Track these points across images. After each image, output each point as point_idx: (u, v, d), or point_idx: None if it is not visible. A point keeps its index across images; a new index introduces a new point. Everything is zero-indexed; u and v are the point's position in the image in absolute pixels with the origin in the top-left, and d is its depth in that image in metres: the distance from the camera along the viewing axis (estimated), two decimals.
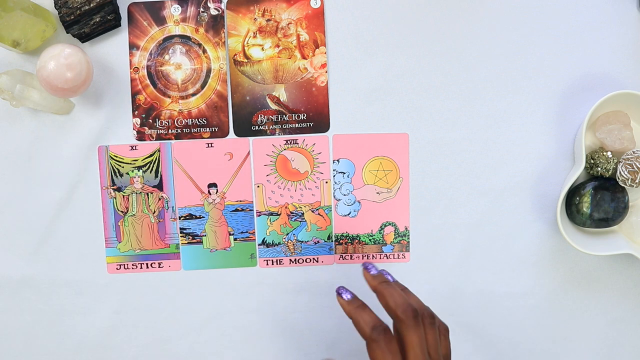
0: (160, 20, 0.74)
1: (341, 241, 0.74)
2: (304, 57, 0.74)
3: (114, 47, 0.74)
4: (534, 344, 0.76)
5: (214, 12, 0.74)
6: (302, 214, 0.75)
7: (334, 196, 0.74)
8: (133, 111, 0.74)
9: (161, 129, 0.74)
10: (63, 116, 0.74)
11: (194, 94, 0.74)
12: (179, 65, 0.74)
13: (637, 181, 0.70)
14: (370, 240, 0.75)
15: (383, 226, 0.74)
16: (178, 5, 0.74)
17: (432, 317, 0.58)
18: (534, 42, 0.74)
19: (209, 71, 0.74)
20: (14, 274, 0.75)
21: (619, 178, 0.71)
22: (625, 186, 0.71)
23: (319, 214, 0.75)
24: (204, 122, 0.75)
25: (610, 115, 0.72)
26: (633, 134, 0.72)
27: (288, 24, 0.74)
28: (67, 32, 0.72)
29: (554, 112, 0.74)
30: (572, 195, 0.73)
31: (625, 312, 0.76)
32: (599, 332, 0.76)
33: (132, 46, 0.74)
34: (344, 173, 0.72)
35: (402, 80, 0.74)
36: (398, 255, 0.75)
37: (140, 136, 0.75)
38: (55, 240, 0.75)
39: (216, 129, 0.75)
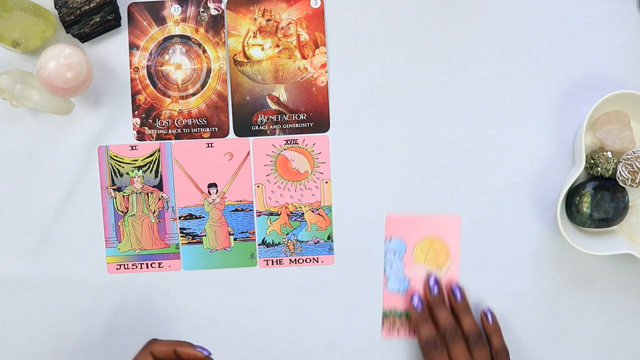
0: (160, 20, 0.74)
1: (389, 316, 0.75)
2: (304, 57, 0.74)
3: (114, 47, 0.74)
4: (533, 344, 0.76)
5: (214, 12, 0.74)
6: (302, 214, 0.75)
7: (384, 272, 0.75)
8: (133, 111, 0.74)
9: (161, 129, 0.74)
10: (63, 116, 0.74)
11: (194, 94, 0.74)
12: (179, 65, 0.74)
13: (637, 181, 0.70)
14: None
15: None
16: (178, 5, 0.74)
17: (479, 336, 0.70)
18: (534, 42, 0.74)
19: (209, 71, 0.74)
20: (14, 274, 0.75)
21: (619, 178, 0.71)
22: (625, 186, 0.71)
23: (319, 214, 0.75)
24: (204, 122, 0.75)
25: (610, 115, 0.72)
26: (633, 134, 0.72)
27: (288, 24, 0.74)
28: (67, 32, 0.72)
29: (554, 112, 0.74)
30: (572, 195, 0.73)
31: (625, 312, 0.76)
32: (598, 332, 0.76)
33: (132, 46, 0.74)
34: (395, 252, 0.74)
35: (402, 80, 0.74)
36: None
37: (140, 136, 0.75)
38: (55, 240, 0.75)
39: (216, 129, 0.75)
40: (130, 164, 0.75)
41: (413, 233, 0.74)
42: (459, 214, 0.73)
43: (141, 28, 0.74)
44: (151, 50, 0.74)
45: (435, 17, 0.74)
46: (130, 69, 0.74)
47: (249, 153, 0.75)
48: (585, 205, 0.71)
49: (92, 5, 0.70)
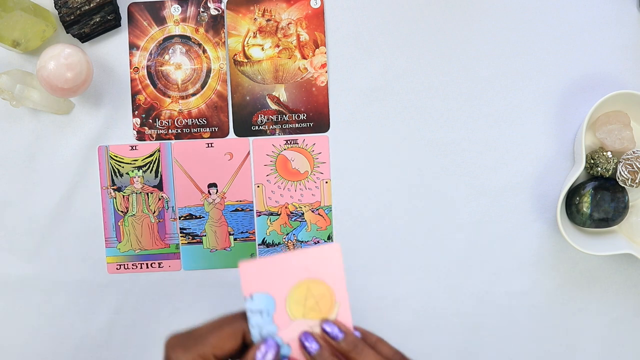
0: (160, 20, 0.74)
1: None
2: (304, 57, 0.74)
3: (114, 47, 0.74)
4: (533, 344, 0.76)
5: (214, 12, 0.74)
6: (302, 214, 0.75)
7: (253, 342, 0.54)
8: (133, 111, 0.74)
9: (161, 129, 0.74)
10: (63, 116, 0.74)
11: (194, 94, 0.74)
12: (179, 65, 0.74)
13: (637, 181, 0.70)
14: None
15: None
16: (178, 5, 0.74)
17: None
18: (534, 42, 0.74)
19: (209, 71, 0.74)
20: (14, 273, 0.75)
21: (619, 178, 0.71)
22: (625, 186, 0.71)
23: (319, 214, 0.75)
24: (204, 122, 0.75)
25: (610, 115, 0.72)
26: (633, 134, 0.72)
27: (288, 24, 0.74)
28: (67, 32, 0.72)
29: (554, 112, 0.74)
30: (572, 195, 0.73)
31: (625, 312, 0.76)
32: (598, 332, 0.76)
33: (132, 46, 0.74)
34: (261, 312, 0.52)
35: (402, 80, 0.74)
36: None
37: (140, 136, 0.75)
38: (55, 240, 0.75)
39: (216, 129, 0.75)
40: (130, 164, 0.75)
41: (280, 281, 0.53)
42: (338, 242, 0.63)
43: (141, 28, 0.74)
44: (151, 50, 0.74)
45: (435, 17, 0.74)
46: (130, 69, 0.74)
47: (249, 153, 0.75)
48: (585, 205, 0.71)
49: (92, 5, 0.70)
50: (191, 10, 0.74)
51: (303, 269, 0.53)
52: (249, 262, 0.52)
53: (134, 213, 0.75)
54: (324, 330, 0.53)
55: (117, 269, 0.76)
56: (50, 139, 0.74)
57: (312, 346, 0.53)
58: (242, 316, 0.51)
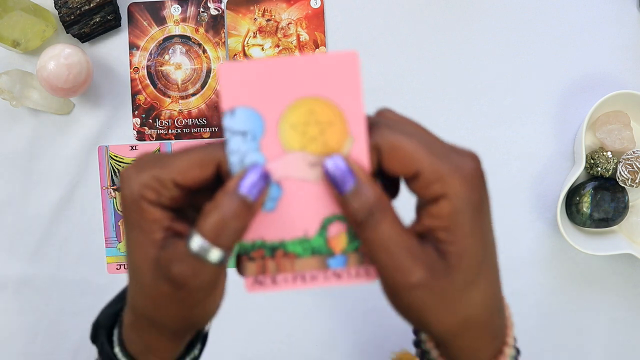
0: (160, 20, 0.74)
1: (253, 254, 0.41)
2: None
3: (114, 47, 0.74)
4: (533, 344, 0.76)
5: (214, 12, 0.74)
6: None
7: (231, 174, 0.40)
8: (133, 111, 0.74)
9: (161, 129, 0.74)
10: (63, 116, 0.74)
11: (194, 94, 0.74)
12: (179, 65, 0.74)
13: (637, 181, 0.70)
14: (305, 249, 0.41)
15: (326, 223, 0.41)
16: (178, 5, 0.74)
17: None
18: (534, 42, 0.74)
19: (209, 71, 0.74)
20: (14, 273, 0.75)
21: (619, 178, 0.71)
22: (625, 186, 0.71)
23: None
24: (204, 122, 0.75)
25: (610, 115, 0.72)
26: (633, 134, 0.72)
27: (288, 24, 0.74)
28: (67, 32, 0.72)
29: (554, 112, 0.74)
30: (572, 195, 0.72)
31: (625, 313, 0.76)
32: (598, 332, 0.76)
33: (132, 46, 0.74)
34: (245, 134, 0.38)
35: (402, 80, 0.74)
36: (357, 272, 0.42)
37: (140, 136, 0.75)
38: (55, 240, 0.75)
39: (216, 129, 0.75)
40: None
41: (273, 95, 0.38)
42: (355, 49, 0.47)
43: (141, 28, 0.74)
44: (151, 50, 0.74)
45: (435, 17, 0.74)
46: (130, 69, 0.74)
47: None
48: (585, 205, 0.71)
49: (92, 5, 0.70)
50: (191, 10, 0.74)
51: (306, 81, 0.38)
52: (232, 64, 0.38)
53: None
54: (325, 171, 0.37)
55: (117, 269, 0.75)
56: (50, 139, 0.74)
57: (347, 181, 0.36)
58: (222, 145, 0.38)
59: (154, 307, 0.38)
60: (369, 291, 0.76)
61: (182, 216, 0.38)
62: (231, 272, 0.80)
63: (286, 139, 0.38)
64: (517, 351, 0.42)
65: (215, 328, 0.76)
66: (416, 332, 0.44)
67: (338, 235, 0.40)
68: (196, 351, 0.45)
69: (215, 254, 0.36)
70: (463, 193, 0.35)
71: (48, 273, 0.75)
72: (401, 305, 0.37)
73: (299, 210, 0.39)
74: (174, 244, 0.36)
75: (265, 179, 0.37)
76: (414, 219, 0.38)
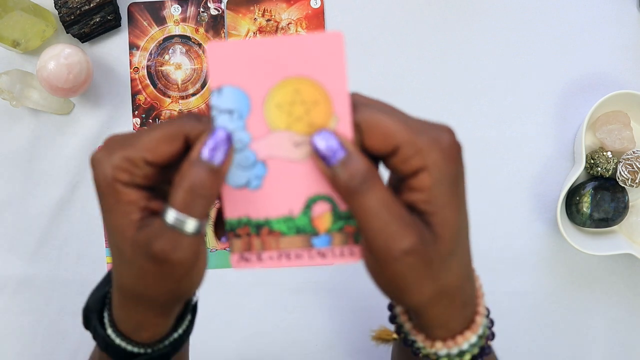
0: (160, 20, 0.74)
1: (239, 231, 0.41)
2: None
3: (114, 47, 0.74)
4: (533, 344, 0.76)
5: (214, 12, 0.74)
6: None
7: None
8: (133, 111, 0.74)
9: None
10: (63, 116, 0.74)
11: (194, 94, 0.74)
12: (179, 65, 0.74)
13: (637, 181, 0.70)
14: (289, 228, 0.41)
15: (310, 203, 0.41)
16: (178, 5, 0.74)
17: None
18: (534, 42, 0.74)
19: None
20: (14, 273, 0.75)
21: (619, 178, 0.71)
22: (625, 186, 0.71)
23: None
24: None
25: (610, 115, 0.72)
26: (633, 134, 0.72)
27: (288, 24, 0.74)
28: (67, 32, 0.72)
29: (554, 112, 0.74)
30: (572, 195, 0.72)
31: (625, 313, 0.76)
32: (598, 332, 0.76)
33: (132, 46, 0.74)
34: (231, 112, 0.39)
35: (402, 80, 0.74)
36: (342, 252, 0.42)
37: None
38: (55, 240, 0.75)
39: None
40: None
41: (259, 75, 0.39)
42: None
43: (141, 28, 0.74)
44: (151, 50, 0.74)
45: (435, 17, 0.74)
46: (130, 69, 0.74)
47: None
48: (585, 205, 0.71)
49: (92, 5, 0.70)
50: (191, 10, 0.74)
51: (292, 61, 0.38)
52: (221, 43, 0.38)
53: None
54: (313, 146, 0.37)
55: None
56: (50, 139, 0.74)
57: (336, 153, 0.37)
58: (192, 118, 0.38)
59: (141, 285, 0.39)
60: (369, 290, 0.76)
61: (159, 193, 0.38)
62: (234, 273, 0.80)
63: (272, 118, 0.39)
64: (491, 322, 0.43)
65: (215, 328, 0.76)
66: (391, 307, 0.45)
67: (322, 215, 0.41)
68: (187, 322, 0.46)
69: (191, 225, 0.36)
70: (442, 165, 0.36)
71: (48, 273, 0.75)
72: (385, 275, 0.38)
73: (284, 189, 0.40)
74: (152, 222, 0.37)
75: (228, 141, 0.37)
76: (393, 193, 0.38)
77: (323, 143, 0.37)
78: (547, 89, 0.74)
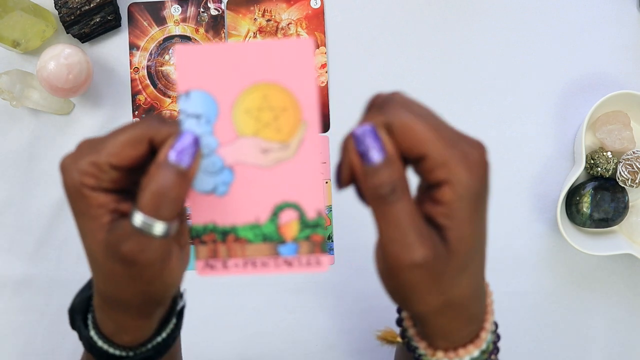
0: (161, 21, 0.74)
1: (204, 238, 0.41)
2: None
3: (114, 47, 0.74)
4: (533, 345, 0.76)
5: (214, 12, 0.74)
6: None
7: None
8: (133, 111, 0.74)
9: None
10: (63, 116, 0.74)
11: None
12: None
13: (637, 181, 0.70)
14: (256, 235, 0.41)
15: (277, 210, 0.41)
16: (178, 6, 0.74)
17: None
18: (534, 42, 0.74)
19: None
20: (14, 274, 0.75)
21: (619, 178, 0.71)
22: (625, 186, 0.71)
23: None
24: None
25: (610, 116, 0.72)
26: (633, 134, 0.72)
27: (288, 24, 0.74)
28: (67, 33, 0.72)
29: (554, 112, 0.74)
30: (572, 195, 0.72)
31: (625, 313, 0.76)
32: (598, 332, 0.76)
33: (132, 46, 0.74)
34: (199, 117, 0.39)
35: (402, 80, 0.74)
36: (308, 261, 0.41)
37: None
38: (55, 240, 0.75)
39: None
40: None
41: (228, 80, 0.38)
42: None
43: (141, 28, 0.74)
44: (151, 51, 0.74)
45: (435, 17, 0.74)
46: (131, 69, 0.74)
47: None
48: (585, 206, 0.71)
49: (92, 5, 0.70)
50: (191, 10, 0.74)
51: (261, 67, 0.38)
52: (189, 47, 0.38)
53: None
54: (353, 138, 0.37)
55: None
56: (50, 139, 0.74)
57: (376, 152, 0.36)
58: (156, 120, 0.38)
59: (113, 288, 0.39)
60: (369, 290, 0.76)
61: (130, 195, 0.38)
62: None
63: (240, 123, 0.39)
64: (497, 337, 0.43)
65: (215, 328, 0.76)
66: (399, 310, 0.45)
67: (289, 223, 0.40)
68: (171, 325, 0.45)
69: (158, 227, 0.36)
70: (466, 181, 0.35)
71: (48, 273, 0.75)
72: (394, 282, 0.38)
73: (251, 195, 0.40)
74: (120, 224, 0.37)
75: (196, 144, 0.37)
76: (416, 201, 0.38)
77: (365, 139, 0.36)
78: (547, 88, 0.74)
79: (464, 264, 0.37)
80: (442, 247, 0.36)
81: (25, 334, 0.76)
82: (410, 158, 0.36)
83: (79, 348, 0.76)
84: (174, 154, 0.36)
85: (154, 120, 0.37)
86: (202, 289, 0.76)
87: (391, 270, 0.37)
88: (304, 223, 0.40)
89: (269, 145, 0.39)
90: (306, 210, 0.40)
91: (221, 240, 0.40)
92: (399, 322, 0.45)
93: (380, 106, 0.37)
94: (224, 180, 0.39)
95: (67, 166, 0.38)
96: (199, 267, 0.41)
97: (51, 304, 0.75)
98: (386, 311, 0.76)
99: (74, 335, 0.75)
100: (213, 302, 0.76)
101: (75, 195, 0.37)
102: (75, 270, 0.75)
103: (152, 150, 0.37)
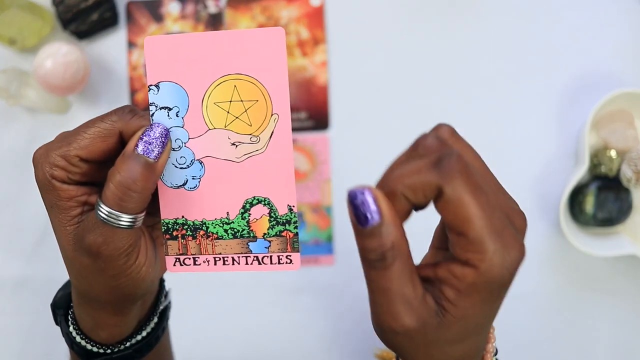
0: (159, 18, 0.73)
1: (174, 233, 0.40)
2: (304, 55, 0.74)
3: (112, 45, 0.73)
4: (535, 345, 0.76)
5: (213, 9, 0.73)
6: (302, 214, 0.75)
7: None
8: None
9: None
10: (60, 115, 0.73)
11: None
12: None
13: None
14: (226, 231, 0.40)
15: (247, 205, 0.40)
16: (177, 3, 0.73)
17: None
18: (537, 41, 0.73)
19: None
20: (12, 274, 0.75)
21: (622, 178, 0.70)
22: (629, 185, 0.70)
23: (319, 214, 0.75)
24: None
25: (614, 114, 0.71)
26: (637, 133, 0.71)
27: (288, 22, 0.74)
28: (64, 30, 0.71)
29: (557, 111, 0.74)
30: (576, 195, 0.72)
31: (629, 314, 0.75)
32: (602, 333, 0.75)
33: (131, 44, 0.73)
34: (169, 109, 0.38)
35: (402, 80, 0.74)
36: (280, 258, 0.40)
37: None
38: (53, 240, 0.74)
39: None
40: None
41: (198, 71, 0.38)
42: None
43: (139, 26, 0.73)
44: None
45: (436, 16, 0.73)
46: (129, 67, 0.74)
47: None
48: (589, 205, 0.70)
49: (89, 2, 0.69)
50: (190, 7, 0.73)
51: (231, 58, 0.37)
52: (158, 37, 0.37)
53: None
54: (348, 198, 0.35)
55: None
56: (47, 138, 0.73)
57: (371, 217, 0.34)
58: (127, 112, 0.38)
59: (84, 282, 0.39)
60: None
61: (101, 188, 0.38)
62: (234, 273, 0.79)
63: (210, 116, 0.38)
64: None
65: (215, 328, 0.76)
66: None
67: (260, 219, 0.39)
68: (152, 324, 0.45)
69: (123, 219, 0.36)
70: (493, 277, 0.33)
71: (45, 273, 0.75)
72: (383, 340, 0.37)
73: (221, 190, 0.39)
74: (88, 217, 0.37)
75: (165, 136, 0.37)
76: (433, 260, 0.36)
77: (359, 200, 0.35)
78: (550, 87, 0.74)
79: (458, 338, 0.35)
80: (434, 318, 0.34)
81: (23, 334, 0.75)
82: (447, 226, 0.34)
83: None
84: (142, 145, 0.36)
85: (125, 112, 0.37)
86: (201, 289, 0.76)
87: (377, 328, 0.36)
88: (275, 219, 0.39)
89: (240, 137, 0.38)
90: (277, 206, 0.39)
91: (191, 236, 0.40)
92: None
93: (437, 162, 0.34)
94: (194, 174, 0.39)
95: (38, 158, 0.38)
96: (169, 264, 0.41)
97: (49, 304, 0.75)
98: None
99: None
100: (213, 303, 0.76)
101: (46, 187, 0.38)
102: None
103: (123, 143, 0.38)
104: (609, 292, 0.75)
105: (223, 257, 0.40)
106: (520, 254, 0.34)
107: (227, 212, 0.40)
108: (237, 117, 0.38)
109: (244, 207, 0.39)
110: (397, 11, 0.73)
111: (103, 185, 0.38)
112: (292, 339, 0.76)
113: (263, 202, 0.39)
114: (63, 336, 0.44)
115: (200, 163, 0.39)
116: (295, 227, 0.39)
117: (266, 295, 0.76)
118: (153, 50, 0.37)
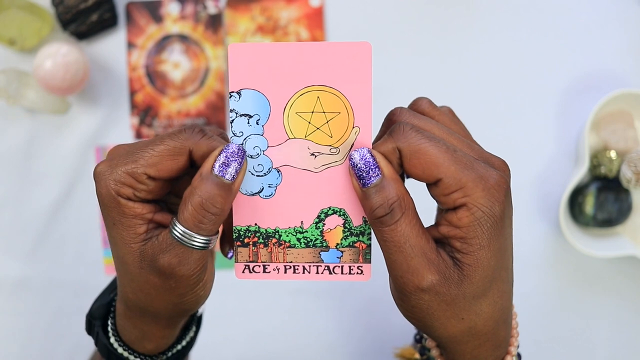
0: (159, 19, 0.73)
1: (246, 240, 0.40)
2: None
3: (111, 45, 0.73)
4: (536, 346, 0.75)
5: (212, 10, 0.73)
6: None
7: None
8: (131, 110, 0.74)
9: (159, 129, 0.74)
10: (60, 115, 0.73)
11: (192, 93, 0.74)
12: (177, 64, 0.74)
13: None
14: (299, 240, 0.41)
15: (322, 215, 0.41)
16: (176, 4, 0.73)
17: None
18: (537, 41, 0.73)
19: (207, 70, 0.74)
20: (11, 275, 0.75)
21: (622, 178, 0.70)
22: (628, 186, 0.70)
23: None
24: (202, 121, 0.74)
25: (614, 115, 0.71)
26: (637, 133, 0.71)
27: (287, 23, 0.73)
28: (64, 31, 0.71)
29: (557, 112, 0.74)
30: (576, 196, 0.72)
31: (629, 315, 0.75)
32: (602, 334, 0.75)
33: (130, 45, 0.73)
34: (250, 117, 0.38)
35: (401, 79, 0.73)
36: (351, 269, 0.41)
37: (138, 136, 0.74)
38: (52, 241, 0.74)
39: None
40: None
41: (282, 80, 0.38)
42: (369, 40, 0.39)
43: (139, 26, 0.73)
44: (149, 49, 0.73)
45: (436, 16, 0.73)
46: (128, 67, 0.74)
47: None
48: (589, 206, 0.70)
49: (89, 3, 0.69)
50: (190, 8, 0.73)
51: (316, 69, 0.38)
52: (243, 45, 0.38)
53: None
54: (350, 162, 0.36)
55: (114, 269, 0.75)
56: (46, 138, 0.73)
57: (372, 174, 0.36)
58: (197, 132, 0.37)
59: (146, 299, 0.38)
60: (370, 292, 0.75)
61: (165, 205, 0.38)
62: (233, 274, 0.79)
63: (291, 125, 0.38)
64: (519, 357, 0.41)
65: (215, 329, 0.75)
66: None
67: (334, 229, 0.40)
68: (191, 334, 0.45)
69: (199, 240, 0.36)
70: (483, 204, 0.34)
71: (45, 274, 0.75)
72: (407, 307, 0.37)
73: (297, 199, 0.39)
74: (158, 235, 0.36)
75: (242, 157, 0.36)
76: (434, 223, 0.37)
77: (359, 160, 0.36)
78: (549, 87, 0.73)
79: (481, 290, 0.35)
80: (454, 271, 0.35)
81: (22, 335, 0.75)
82: (424, 182, 0.36)
83: (76, 349, 0.76)
84: (218, 165, 0.36)
85: (194, 131, 0.37)
86: None
87: (402, 295, 0.36)
88: (349, 230, 0.40)
89: (319, 148, 0.39)
90: (352, 217, 0.39)
91: (263, 243, 0.40)
92: (419, 339, 0.44)
93: (391, 129, 0.36)
94: (271, 182, 0.39)
95: (101, 175, 0.37)
96: (238, 271, 0.41)
97: (48, 305, 0.75)
98: (387, 312, 0.76)
99: (71, 336, 0.75)
100: (213, 304, 0.75)
101: (111, 204, 0.37)
102: (71, 271, 0.75)
103: (191, 163, 0.37)
104: (609, 293, 0.75)
105: (294, 266, 0.40)
106: (502, 167, 0.36)
107: (302, 221, 0.40)
108: (318, 128, 0.38)
109: (318, 216, 0.40)
110: (396, 12, 0.73)
111: (167, 202, 0.38)
112: (292, 340, 0.76)
113: (338, 213, 0.39)
114: (97, 346, 0.43)
115: (278, 171, 0.39)
116: (369, 239, 0.40)
117: (266, 296, 0.75)
118: (237, 58, 0.37)
